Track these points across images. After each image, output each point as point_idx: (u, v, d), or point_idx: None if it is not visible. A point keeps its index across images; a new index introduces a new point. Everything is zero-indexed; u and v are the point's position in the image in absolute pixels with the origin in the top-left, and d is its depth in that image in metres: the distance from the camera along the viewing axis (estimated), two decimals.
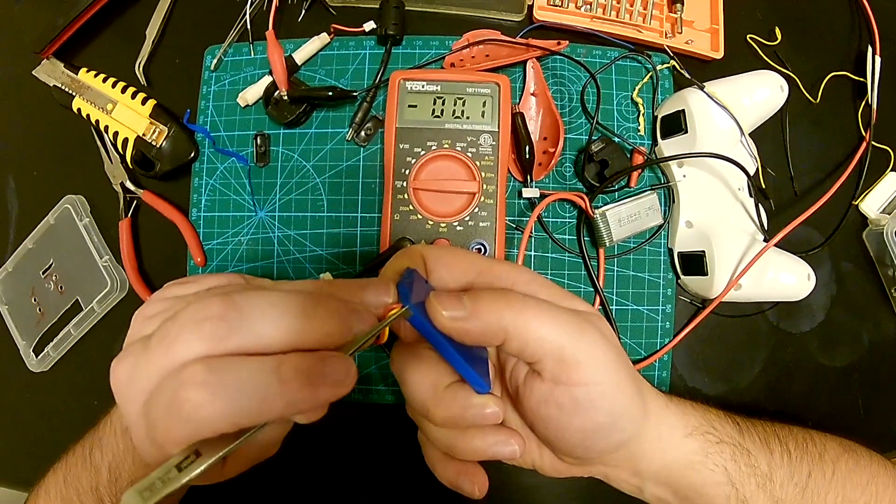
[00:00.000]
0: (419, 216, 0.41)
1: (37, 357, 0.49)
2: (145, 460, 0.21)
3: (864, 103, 0.47)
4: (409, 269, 0.25)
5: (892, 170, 0.47)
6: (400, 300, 0.24)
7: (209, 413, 0.19)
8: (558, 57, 0.46)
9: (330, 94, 0.43)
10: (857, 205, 0.47)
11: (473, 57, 0.46)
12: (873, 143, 0.46)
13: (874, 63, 0.46)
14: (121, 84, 0.48)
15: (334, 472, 0.45)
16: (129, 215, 0.48)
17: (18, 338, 0.50)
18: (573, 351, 0.24)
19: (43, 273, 0.50)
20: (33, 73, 0.49)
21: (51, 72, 0.49)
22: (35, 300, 0.50)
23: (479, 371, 0.25)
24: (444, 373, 0.25)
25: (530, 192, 0.44)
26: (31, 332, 0.50)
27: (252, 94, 0.46)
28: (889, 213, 0.46)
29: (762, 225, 0.44)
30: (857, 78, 0.48)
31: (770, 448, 0.32)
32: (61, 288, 0.49)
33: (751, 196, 0.44)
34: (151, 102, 0.47)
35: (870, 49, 0.47)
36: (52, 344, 0.49)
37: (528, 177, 0.44)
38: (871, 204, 0.47)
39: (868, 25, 0.48)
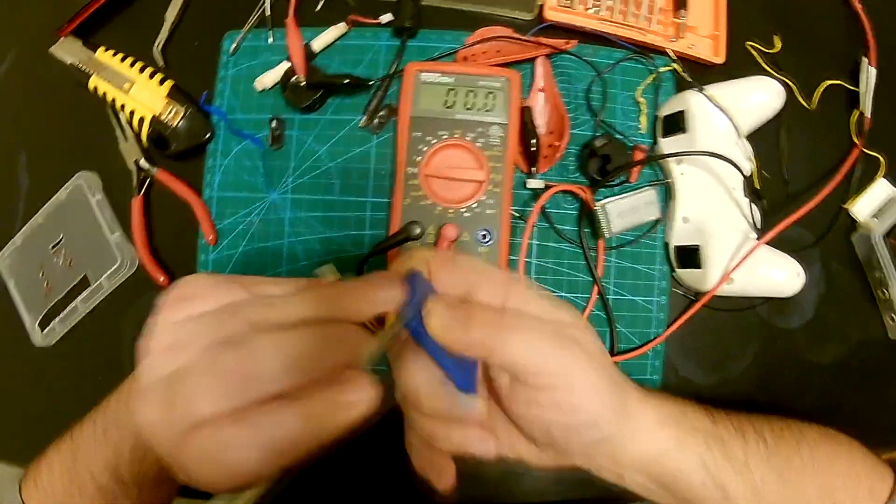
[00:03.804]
0: (429, 202, 0.43)
1: (42, 332, 0.49)
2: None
3: (857, 111, 0.49)
4: (413, 271, 0.26)
5: (882, 176, 0.49)
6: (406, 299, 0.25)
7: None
8: (566, 55, 0.48)
9: (347, 81, 0.45)
10: (848, 208, 0.49)
11: (485, 52, 0.48)
12: (865, 150, 0.48)
13: (868, 73, 0.48)
14: (139, 64, 0.49)
15: (330, 468, 0.45)
16: (142, 193, 0.48)
17: (25, 313, 0.50)
18: (553, 367, 0.26)
19: (52, 248, 0.50)
20: (50, 50, 0.50)
21: (68, 50, 0.50)
22: (43, 275, 0.50)
23: (466, 374, 0.26)
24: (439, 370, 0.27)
25: (535, 183, 0.45)
26: (38, 306, 0.50)
27: (269, 78, 0.47)
28: (878, 218, 0.48)
29: (755, 223, 0.45)
30: (851, 87, 0.49)
31: (745, 437, 0.33)
32: (70, 262, 0.50)
33: (745, 196, 0.46)
34: (169, 83, 0.48)
35: (864, 60, 0.49)
36: (58, 318, 0.49)
37: (534, 168, 0.45)
38: (861, 208, 0.48)
39: (864, 37, 0.49)
